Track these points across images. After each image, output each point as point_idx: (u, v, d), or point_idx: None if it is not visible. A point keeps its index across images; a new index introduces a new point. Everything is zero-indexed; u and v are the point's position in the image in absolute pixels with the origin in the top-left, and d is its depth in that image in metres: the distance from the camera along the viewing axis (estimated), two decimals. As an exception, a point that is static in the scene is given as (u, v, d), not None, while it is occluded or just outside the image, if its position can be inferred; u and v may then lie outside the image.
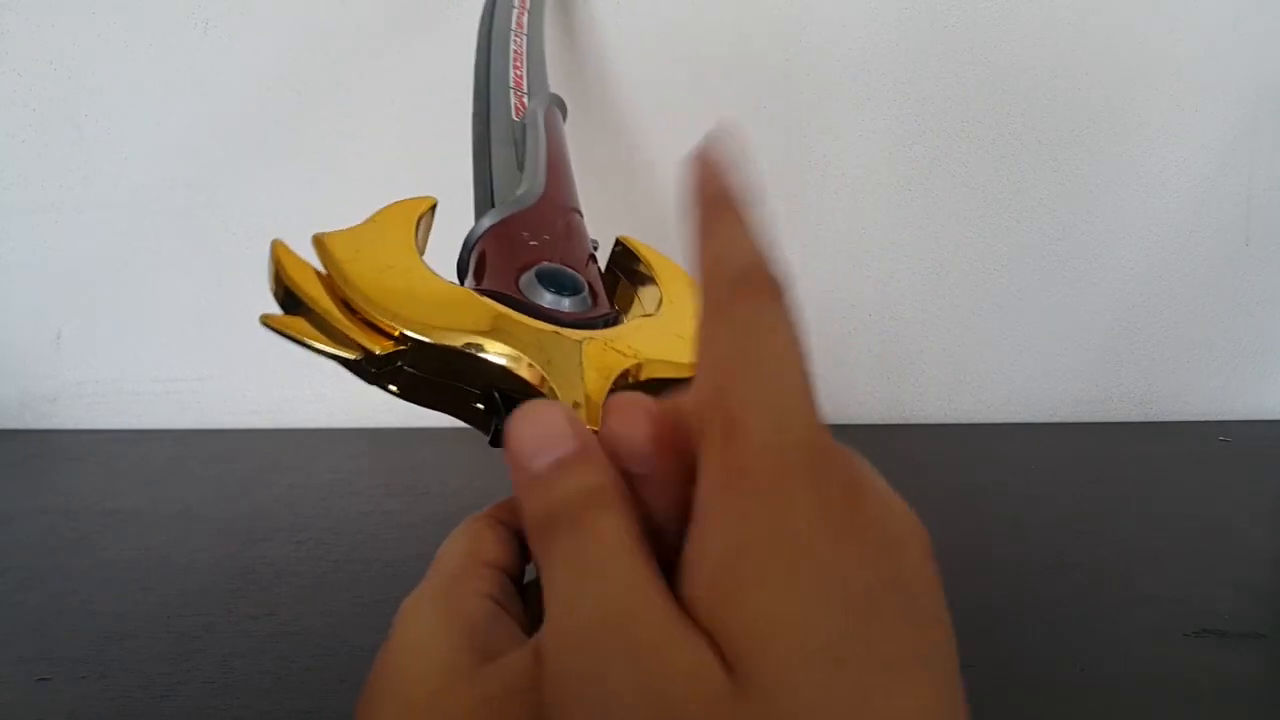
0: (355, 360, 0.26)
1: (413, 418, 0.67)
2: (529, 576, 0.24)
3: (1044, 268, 0.64)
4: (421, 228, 0.32)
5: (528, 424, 0.19)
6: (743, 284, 0.17)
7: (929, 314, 0.65)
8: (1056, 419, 0.67)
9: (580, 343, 0.28)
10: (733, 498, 0.15)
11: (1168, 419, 0.66)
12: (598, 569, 0.16)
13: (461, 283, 0.34)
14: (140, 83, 0.64)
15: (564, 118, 0.47)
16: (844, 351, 0.65)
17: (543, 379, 0.27)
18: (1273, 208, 0.63)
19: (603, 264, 0.38)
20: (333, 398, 0.68)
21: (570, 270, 0.32)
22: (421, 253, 0.32)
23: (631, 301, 0.37)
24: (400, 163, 0.63)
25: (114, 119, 0.65)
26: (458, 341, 0.27)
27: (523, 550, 0.24)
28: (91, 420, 0.70)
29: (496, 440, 0.27)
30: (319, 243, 0.29)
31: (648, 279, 0.36)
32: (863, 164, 0.63)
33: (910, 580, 0.15)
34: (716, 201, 0.19)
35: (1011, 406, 0.67)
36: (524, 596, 0.23)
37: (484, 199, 0.39)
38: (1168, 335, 0.65)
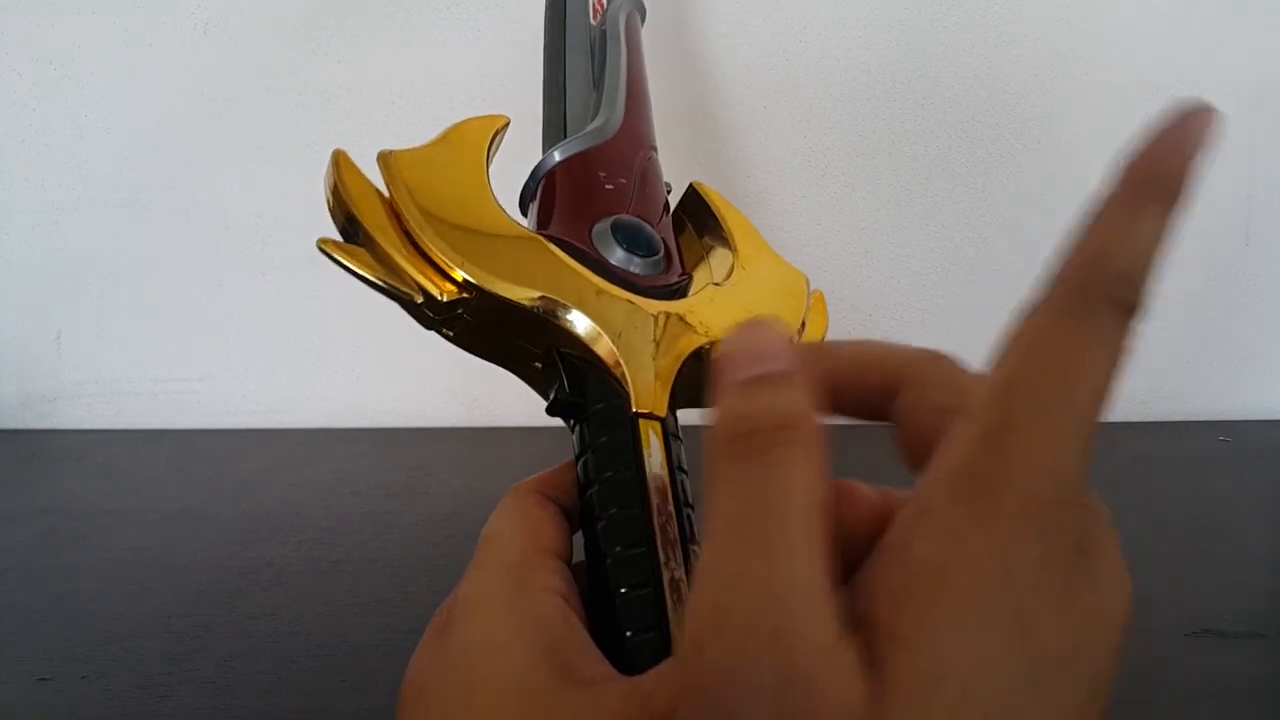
0: (415, 301, 0.25)
1: (413, 418, 0.68)
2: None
3: (1044, 268, 0.64)
4: (492, 150, 0.30)
5: (744, 335, 0.17)
6: (1097, 287, 0.15)
7: (929, 314, 0.65)
8: (1056, 419, 0.66)
9: (655, 317, 0.26)
10: (964, 511, 0.14)
11: (1168, 419, 0.66)
12: (774, 529, 0.14)
13: (524, 211, 0.32)
14: (140, 83, 0.64)
15: (642, 21, 0.43)
16: (844, 351, 0.65)
17: (614, 356, 0.25)
18: (1273, 207, 0.63)
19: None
20: (333, 398, 0.68)
21: (647, 227, 0.30)
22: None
23: (698, 257, 0.34)
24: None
25: (114, 119, 0.65)
26: (526, 298, 0.25)
27: (571, 530, 0.24)
28: (91, 420, 0.70)
29: (554, 409, 0.26)
30: (385, 162, 0.26)
31: (720, 235, 0.33)
32: (862, 163, 0.63)
33: (1097, 664, 0.14)
34: (1146, 185, 0.16)
35: (1011, 406, 0.67)
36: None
37: (556, 118, 0.36)
38: (1167, 335, 0.65)
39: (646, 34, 0.62)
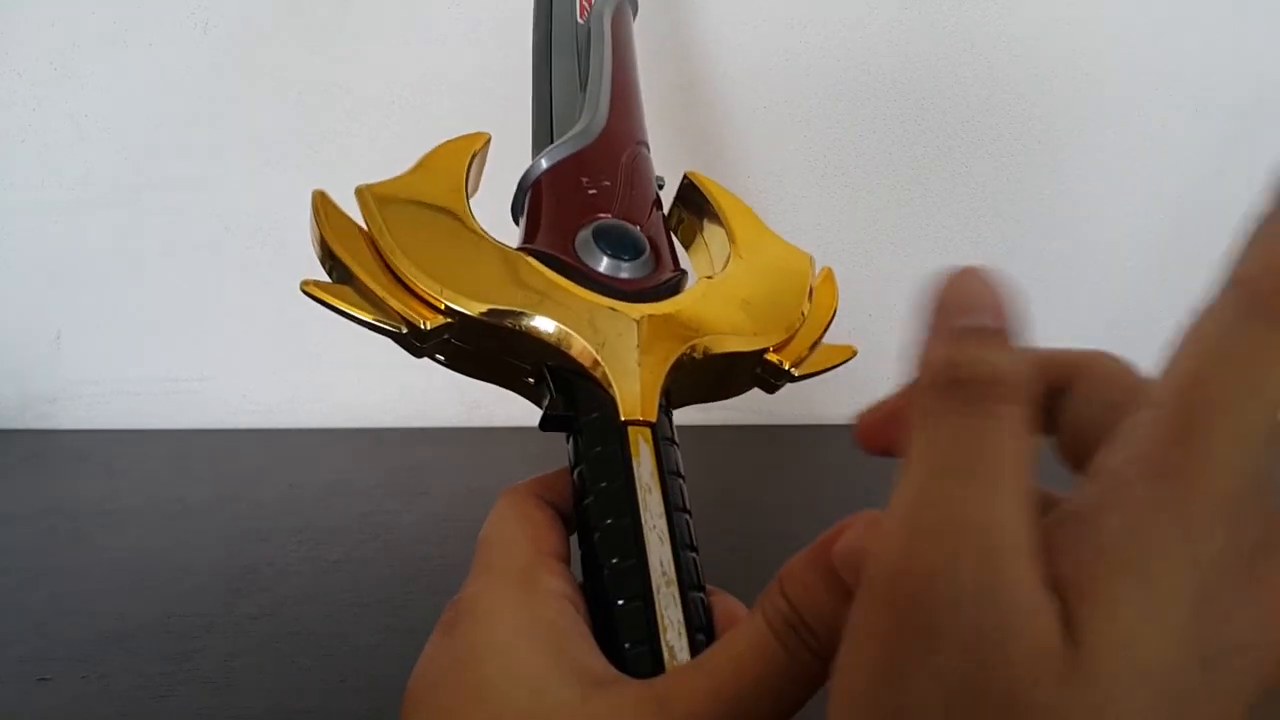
0: (401, 333, 0.25)
1: (413, 418, 0.68)
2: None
3: (1043, 267, 0.64)
4: (474, 169, 0.30)
5: (966, 280, 0.17)
6: None
7: (929, 314, 0.65)
8: (1056, 419, 0.66)
9: (637, 322, 0.26)
10: (1156, 490, 0.14)
11: (1168, 419, 0.66)
12: (987, 471, 0.15)
13: (516, 223, 0.32)
14: (140, 83, 0.64)
15: (634, 13, 0.42)
16: (844, 351, 0.65)
17: (595, 361, 0.25)
18: (1273, 208, 0.63)
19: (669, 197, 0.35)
20: (333, 398, 0.68)
21: (631, 229, 0.30)
22: (473, 194, 0.30)
23: (699, 247, 0.34)
24: (402, 164, 0.62)
25: (114, 119, 0.65)
26: (504, 317, 0.25)
27: (568, 533, 0.24)
28: (91, 420, 0.70)
29: (546, 423, 0.26)
30: (362, 198, 0.27)
31: (718, 224, 0.33)
32: (862, 164, 0.63)
33: (1267, 665, 0.14)
34: None
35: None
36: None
37: (543, 123, 0.36)
38: (1168, 335, 0.65)
39: (644, 35, 0.62)
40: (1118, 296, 0.65)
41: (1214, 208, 0.63)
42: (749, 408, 0.67)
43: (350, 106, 0.63)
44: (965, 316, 0.17)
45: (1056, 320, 0.66)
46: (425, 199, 0.28)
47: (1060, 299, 0.65)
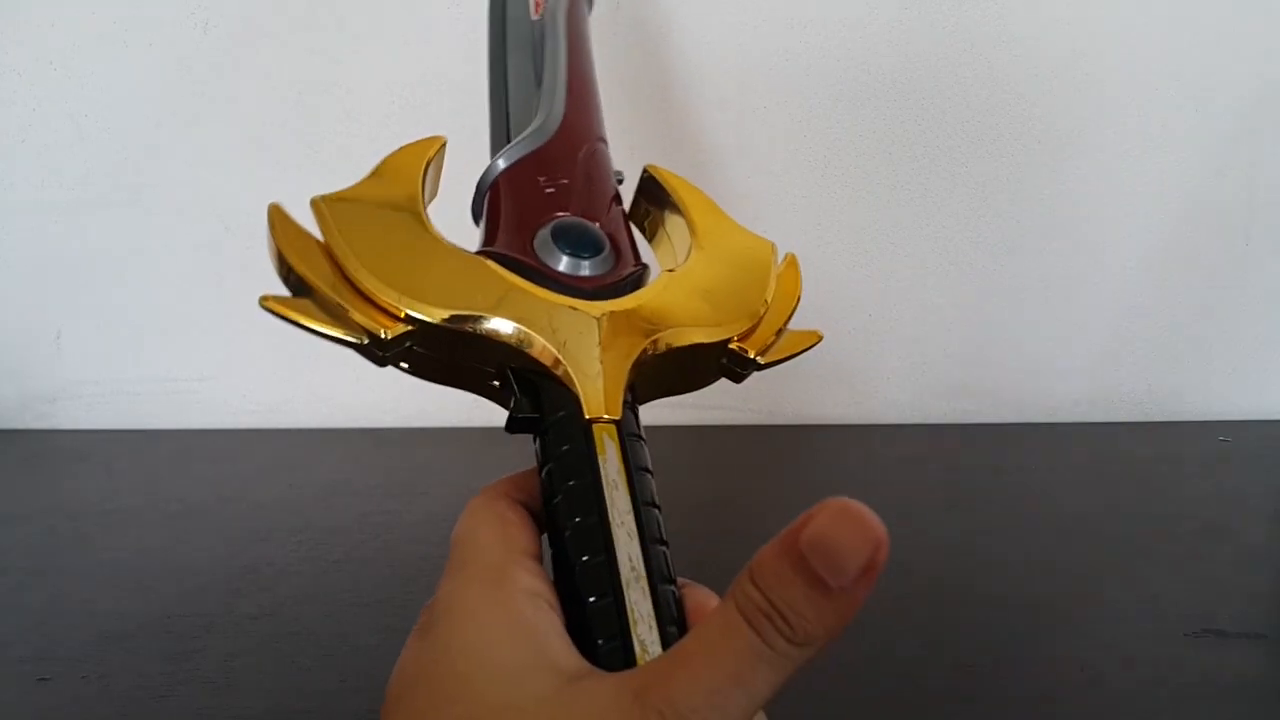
0: (362, 344, 0.25)
1: (413, 418, 0.68)
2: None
3: (1043, 267, 0.64)
4: (430, 173, 0.30)
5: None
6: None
7: (928, 314, 0.65)
8: (1056, 419, 0.67)
9: (598, 320, 0.26)
10: None
11: (1168, 419, 0.66)
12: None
13: (477, 224, 0.32)
14: (140, 83, 0.64)
15: (590, 7, 0.42)
16: (843, 352, 0.65)
17: (557, 361, 0.25)
18: (1273, 207, 0.63)
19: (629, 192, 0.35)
20: (333, 398, 0.68)
21: (590, 227, 0.30)
22: (431, 199, 0.30)
23: (661, 240, 0.34)
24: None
25: (114, 119, 0.65)
26: (464, 322, 0.25)
27: (539, 531, 0.24)
28: (91, 420, 0.70)
29: (512, 425, 0.26)
30: (317, 209, 0.27)
31: (678, 216, 0.33)
32: (862, 164, 0.63)
33: None
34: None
35: (1012, 406, 0.67)
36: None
37: (499, 122, 0.36)
38: (1167, 335, 0.65)
39: (644, 36, 0.62)
40: (1118, 296, 0.65)
41: (1214, 208, 0.63)
42: (749, 407, 0.67)
43: (350, 106, 0.63)
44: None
45: (1057, 320, 0.66)
46: (381, 207, 0.28)
47: (1060, 299, 0.65)
